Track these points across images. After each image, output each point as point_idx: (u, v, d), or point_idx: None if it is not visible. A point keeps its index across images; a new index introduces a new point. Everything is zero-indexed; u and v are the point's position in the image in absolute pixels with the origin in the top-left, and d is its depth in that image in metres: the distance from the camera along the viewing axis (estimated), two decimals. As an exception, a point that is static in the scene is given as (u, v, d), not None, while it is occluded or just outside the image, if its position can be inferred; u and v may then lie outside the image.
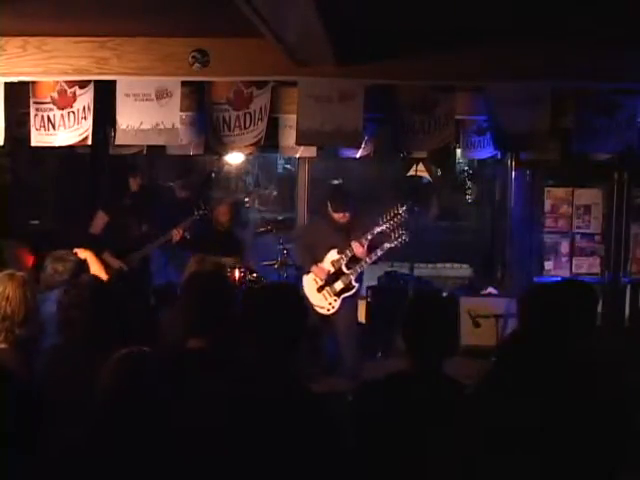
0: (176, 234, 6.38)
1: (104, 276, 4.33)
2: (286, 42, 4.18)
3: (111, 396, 2.34)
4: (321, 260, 5.76)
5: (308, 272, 5.81)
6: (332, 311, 5.74)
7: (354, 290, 5.75)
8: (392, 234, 5.62)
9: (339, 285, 5.69)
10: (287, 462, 2.29)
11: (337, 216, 5.66)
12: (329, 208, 5.71)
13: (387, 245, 5.62)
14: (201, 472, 2.32)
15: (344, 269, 5.70)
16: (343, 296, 5.71)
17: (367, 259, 5.64)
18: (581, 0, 3.80)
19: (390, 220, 5.62)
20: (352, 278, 5.69)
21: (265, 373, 2.43)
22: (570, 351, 2.65)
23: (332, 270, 5.71)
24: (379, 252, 5.63)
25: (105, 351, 2.51)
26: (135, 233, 6.50)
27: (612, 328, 6.88)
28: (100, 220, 6.43)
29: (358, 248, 5.59)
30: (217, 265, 4.52)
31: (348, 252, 5.64)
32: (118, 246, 6.29)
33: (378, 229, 5.60)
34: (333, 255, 5.74)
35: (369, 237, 5.58)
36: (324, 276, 5.70)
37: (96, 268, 4.32)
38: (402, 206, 5.67)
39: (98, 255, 6.15)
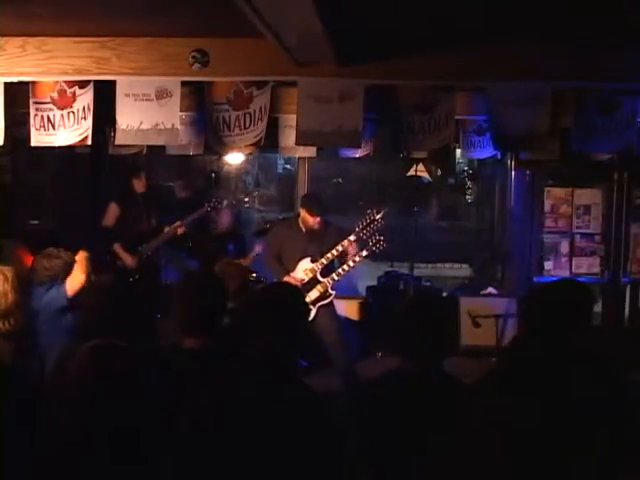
0: (180, 227, 6.44)
1: (82, 280, 4.16)
2: (286, 42, 4.17)
3: (77, 388, 2.33)
4: (293, 269, 5.65)
5: None
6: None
7: (331, 298, 5.66)
8: (369, 241, 5.57)
9: (314, 294, 5.58)
10: (288, 462, 2.29)
11: (313, 221, 5.58)
12: (304, 213, 5.64)
13: (364, 252, 5.57)
14: (200, 472, 2.32)
15: (319, 277, 5.61)
16: (318, 305, 5.60)
17: (345, 266, 5.58)
18: (581, 0, 3.80)
19: (366, 227, 5.57)
20: (329, 286, 5.62)
21: (265, 373, 2.42)
22: (569, 350, 2.65)
23: (306, 279, 5.60)
24: (357, 259, 5.56)
25: None
26: (145, 226, 6.55)
27: (612, 328, 6.88)
28: (112, 212, 6.48)
29: (349, 246, 5.54)
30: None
31: (324, 260, 5.57)
32: (129, 238, 6.35)
33: (353, 237, 5.55)
34: (307, 264, 5.63)
35: (352, 238, 5.53)
36: (299, 285, 5.51)
37: (79, 272, 4.18)
38: (378, 212, 5.63)
39: (110, 247, 6.24)
